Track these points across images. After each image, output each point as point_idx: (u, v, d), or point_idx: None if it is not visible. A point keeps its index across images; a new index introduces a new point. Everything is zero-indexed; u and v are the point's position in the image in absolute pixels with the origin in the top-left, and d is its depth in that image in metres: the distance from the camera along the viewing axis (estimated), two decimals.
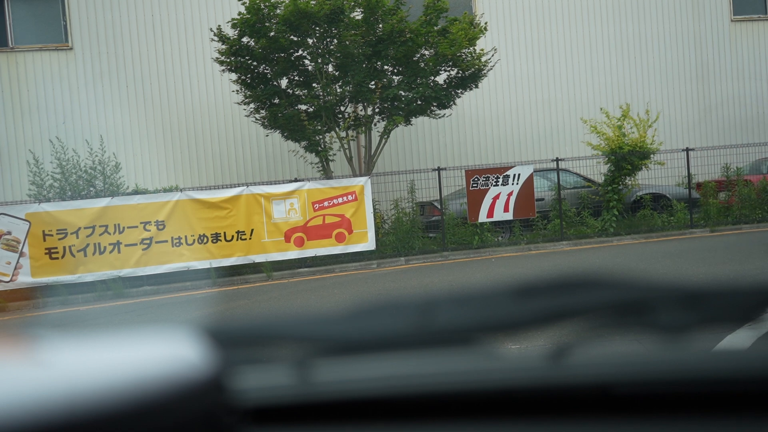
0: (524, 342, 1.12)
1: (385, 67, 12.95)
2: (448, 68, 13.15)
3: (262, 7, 12.00)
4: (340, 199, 12.27)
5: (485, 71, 13.37)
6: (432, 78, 12.99)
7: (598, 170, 14.49)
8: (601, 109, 14.75)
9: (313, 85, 12.91)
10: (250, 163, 15.77)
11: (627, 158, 13.70)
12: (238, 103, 13.87)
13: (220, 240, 11.62)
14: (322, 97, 12.73)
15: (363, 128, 13.36)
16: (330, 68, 12.82)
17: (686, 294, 0.75)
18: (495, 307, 0.79)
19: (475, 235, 13.11)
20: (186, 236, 11.44)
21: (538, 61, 17.38)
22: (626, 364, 0.76)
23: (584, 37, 17.68)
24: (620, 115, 14.11)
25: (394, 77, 13.09)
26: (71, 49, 15.02)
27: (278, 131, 13.35)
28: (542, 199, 13.85)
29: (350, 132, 13.49)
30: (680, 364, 0.74)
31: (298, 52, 12.68)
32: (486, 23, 13.54)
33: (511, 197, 13.18)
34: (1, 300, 10.43)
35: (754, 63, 18.68)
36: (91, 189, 11.95)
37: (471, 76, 13.27)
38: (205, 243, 11.55)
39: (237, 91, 13.53)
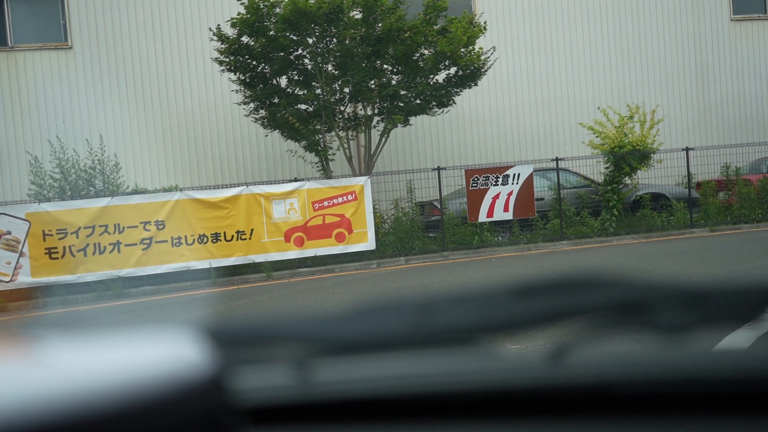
0: (524, 342, 1.12)
1: (385, 66, 12.95)
2: (447, 67, 13.15)
3: (261, 6, 12.01)
4: (339, 199, 12.28)
5: (484, 69, 13.37)
6: (431, 77, 12.99)
7: (598, 170, 14.50)
8: (599, 108, 14.76)
9: (313, 84, 12.91)
10: (250, 162, 15.78)
11: (626, 158, 13.70)
12: (237, 104, 13.87)
13: (220, 240, 11.62)
14: (321, 96, 12.73)
15: (363, 128, 13.37)
16: (329, 67, 12.82)
17: (686, 294, 0.75)
18: (495, 307, 0.79)
19: (474, 234, 13.11)
20: (186, 236, 11.44)
21: (538, 60, 17.38)
22: (626, 364, 0.76)
23: (584, 37, 17.69)
24: (627, 114, 14.08)
25: (393, 76, 13.09)
26: (71, 48, 15.02)
27: (278, 131, 13.35)
28: (542, 199, 13.85)
29: (350, 131, 13.50)
30: (680, 364, 0.74)
31: (297, 51, 12.68)
32: (485, 22, 13.53)
33: (510, 197, 13.18)
34: (1, 300, 10.42)
35: (754, 63, 18.68)
36: (91, 189, 11.95)
37: (470, 74, 13.27)
38: (204, 243, 11.55)
39: (237, 91, 13.53)
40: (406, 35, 12.34)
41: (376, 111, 13.37)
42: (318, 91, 12.81)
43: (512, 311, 0.77)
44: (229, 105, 14.96)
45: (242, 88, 13.24)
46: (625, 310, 0.75)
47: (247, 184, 12.17)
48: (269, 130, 13.57)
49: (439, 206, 13.15)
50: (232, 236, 11.69)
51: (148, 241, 11.24)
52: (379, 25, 12.38)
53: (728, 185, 14.67)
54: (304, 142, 13.01)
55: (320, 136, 13.07)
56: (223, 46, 12.61)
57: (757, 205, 14.55)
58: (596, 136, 14.09)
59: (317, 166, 13.56)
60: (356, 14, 12.44)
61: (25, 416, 0.47)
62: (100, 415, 0.50)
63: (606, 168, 14.09)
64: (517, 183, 13.20)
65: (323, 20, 12.04)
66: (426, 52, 12.86)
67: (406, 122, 13.53)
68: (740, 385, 0.71)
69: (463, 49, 12.82)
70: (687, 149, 14.73)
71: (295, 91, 13.07)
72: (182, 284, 11.17)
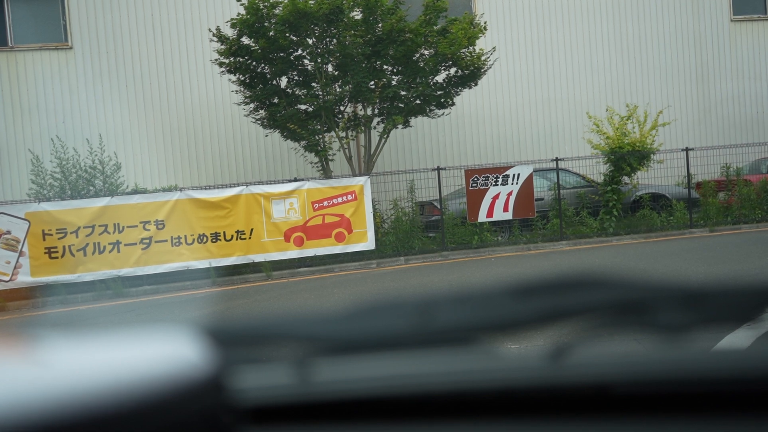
0: (524, 342, 1.12)
1: (385, 66, 12.94)
2: (448, 68, 13.15)
3: (261, 7, 12.00)
4: (339, 199, 12.27)
5: (484, 69, 13.37)
6: (431, 77, 12.99)
7: (597, 170, 14.49)
8: (608, 108, 14.75)
9: (313, 84, 12.91)
10: (250, 162, 15.77)
11: (626, 158, 13.70)
12: (237, 104, 13.86)
13: (220, 239, 11.61)
14: (321, 96, 12.73)
15: (362, 128, 13.36)
16: (329, 68, 12.81)
17: (686, 294, 0.75)
18: (495, 307, 0.79)
19: (474, 234, 13.11)
20: (185, 236, 11.43)
21: (538, 60, 17.38)
22: (626, 364, 0.76)
23: (584, 37, 17.68)
24: (626, 114, 14.07)
25: (393, 77, 13.08)
26: (71, 48, 15.02)
27: (278, 131, 13.35)
28: (542, 199, 13.85)
29: (350, 132, 13.49)
30: (680, 364, 0.74)
31: (297, 51, 12.67)
32: (486, 23, 13.53)
33: (510, 197, 13.18)
34: (1, 299, 10.42)
35: (754, 63, 18.68)
36: (91, 188, 11.95)
37: (470, 74, 13.27)
38: (204, 242, 11.55)
39: (237, 91, 13.52)
40: (407, 36, 12.33)
41: (376, 111, 13.36)
42: (318, 91, 12.80)
43: (512, 311, 0.77)
44: (229, 104, 14.96)
45: (242, 89, 13.24)
46: (625, 310, 0.75)
47: (246, 184, 12.17)
48: (269, 131, 13.57)
49: (438, 206, 13.15)
50: (232, 236, 11.69)
51: (147, 241, 11.24)
52: (380, 25, 12.38)
53: (728, 185, 14.66)
54: (304, 142, 13.01)
55: (320, 136, 13.07)
56: (222, 47, 12.60)
57: (757, 205, 14.54)
58: (598, 134, 14.08)
59: (317, 166, 13.55)
60: (356, 14, 12.44)
61: (25, 416, 0.47)
62: (99, 414, 0.50)
63: (606, 168, 14.09)
64: (516, 183, 13.20)
65: (323, 21, 12.03)
66: (426, 52, 12.85)
67: (405, 124, 13.51)
68: (740, 385, 0.71)
69: (464, 50, 12.83)
70: (687, 149, 14.72)
71: (295, 92, 13.07)
72: (182, 284, 11.16)
